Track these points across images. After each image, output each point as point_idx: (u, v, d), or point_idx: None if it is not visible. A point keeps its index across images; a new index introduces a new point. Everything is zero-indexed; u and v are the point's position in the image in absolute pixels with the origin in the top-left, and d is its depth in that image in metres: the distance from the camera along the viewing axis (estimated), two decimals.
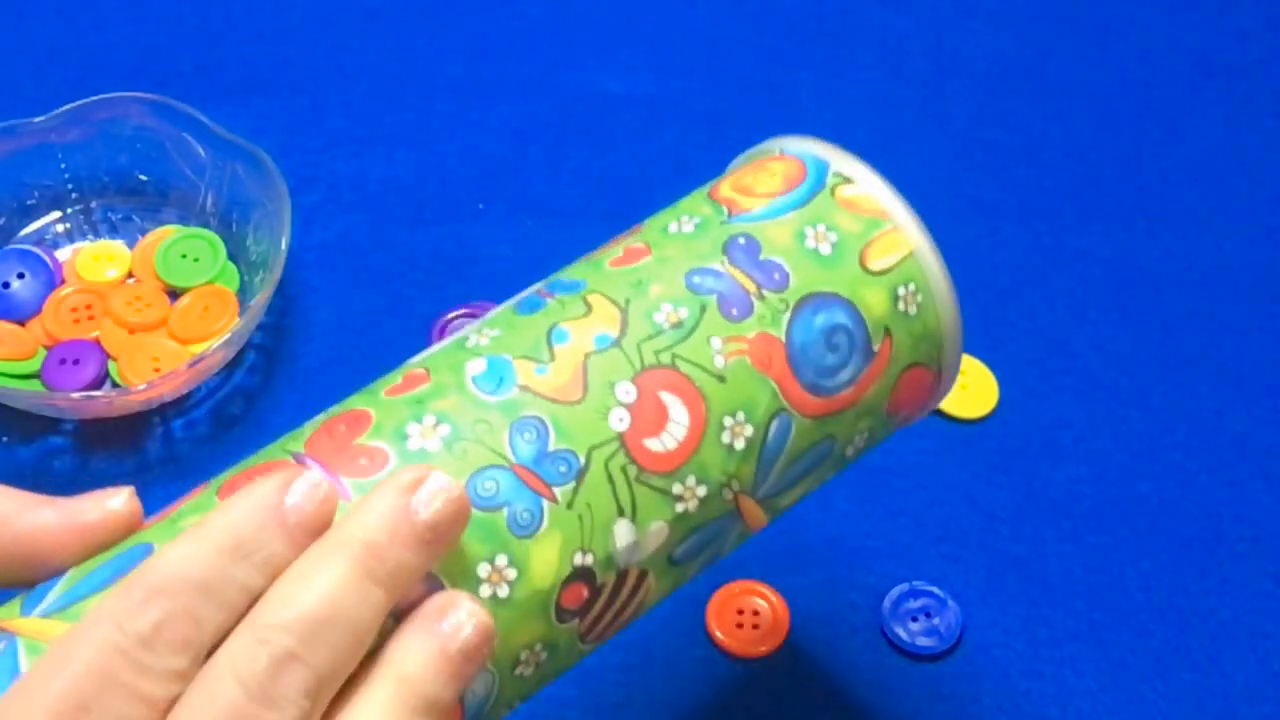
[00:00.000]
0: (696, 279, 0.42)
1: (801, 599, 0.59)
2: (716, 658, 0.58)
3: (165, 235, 0.68)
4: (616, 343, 0.41)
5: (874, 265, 0.44)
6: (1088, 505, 0.63)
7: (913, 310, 0.44)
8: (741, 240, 0.43)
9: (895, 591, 0.59)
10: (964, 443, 0.64)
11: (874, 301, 0.43)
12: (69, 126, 0.67)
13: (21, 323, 0.65)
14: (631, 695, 0.57)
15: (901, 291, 0.44)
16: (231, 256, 0.67)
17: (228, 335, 0.61)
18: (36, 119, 0.67)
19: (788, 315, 0.42)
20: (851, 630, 0.59)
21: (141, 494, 0.63)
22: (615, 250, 0.44)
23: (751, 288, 0.42)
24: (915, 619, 0.59)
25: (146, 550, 0.37)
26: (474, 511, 0.38)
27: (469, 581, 0.37)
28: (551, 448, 0.39)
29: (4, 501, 0.37)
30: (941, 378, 0.46)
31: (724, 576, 0.59)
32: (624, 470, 0.40)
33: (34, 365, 0.64)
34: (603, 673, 0.58)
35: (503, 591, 0.38)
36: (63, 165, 0.68)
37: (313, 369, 0.66)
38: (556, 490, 0.39)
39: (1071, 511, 0.62)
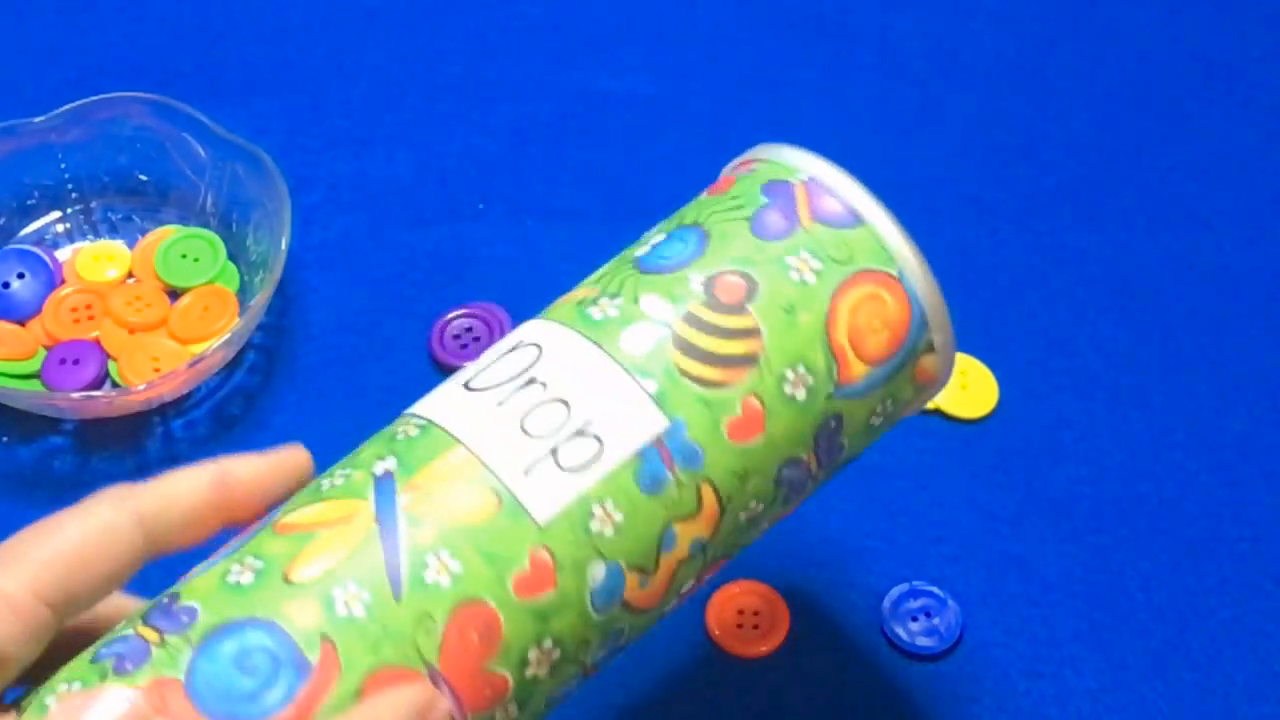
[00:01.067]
0: (786, 472, 0.44)
1: (801, 599, 0.59)
2: (716, 658, 0.58)
3: (165, 235, 0.68)
4: (703, 550, 0.43)
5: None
6: (1088, 505, 0.63)
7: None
8: (832, 423, 0.45)
9: (895, 591, 0.59)
10: (964, 443, 0.64)
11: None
12: (69, 126, 0.67)
13: (21, 323, 0.65)
14: (631, 695, 0.57)
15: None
16: (231, 256, 0.67)
17: (228, 335, 0.61)
18: (36, 119, 0.67)
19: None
20: (851, 630, 0.59)
21: None
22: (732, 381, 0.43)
23: (812, 466, 0.45)
24: (915, 619, 0.59)
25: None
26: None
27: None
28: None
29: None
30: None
31: (724, 576, 0.59)
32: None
33: (34, 365, 0.64)
34: (603, 673, 0.57)
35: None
36: (63, 165, 0.68)
37: (313, 369, 0.66)
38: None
39: (1071, 511, 0.62)
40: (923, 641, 0.58)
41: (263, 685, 0.38)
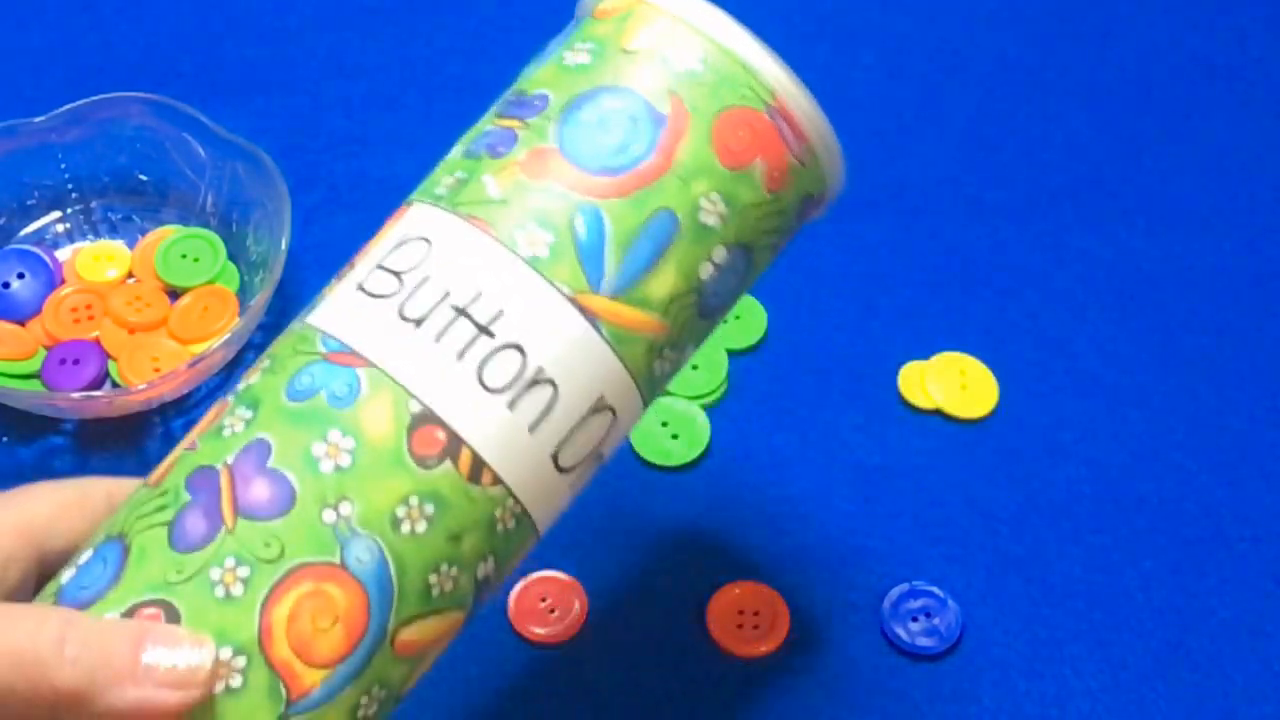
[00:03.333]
0: (472, 146, 0.45)
1: (801, 599, 0.59)
2: (716, 658, 0.58)
3: (165, 235, 0.68)
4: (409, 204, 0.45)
5: (633, 45, 0.44)
6: (1088, 505, 0.63)
7: (694, 64, 0.44)
8: (511, 98, 0.45)
9: (895, 591, 0.59)
10: (964, 443, 0.64)
11: (644, 75, 0.44)
12: (69, 126, 0.67)
13: (21, 323, 0.65)
14: (631, 695, 0.57)
15: (672, 54, 0.44)
16: (231, 256, 0.67)
17: (228, 335, 0.61)
18: (36, 119, 0.67)
19: (552, 125, 0.43)
20: (851, 630, 0.59)
21: None
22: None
23: (516, 124, 0.44)
24: (915, 619, 0.59)
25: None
26: (296, 405, 0.41)
27: (309, 465, 0.40)
28: None
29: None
30: (783, 115, 0.45)
31: (724, 576, 0.59)
32: None
33: (34, 365, 0.64)
34: (602, 672, 0.58)
35: (344, 461, 0.40)
36: (63, 165, 0.68)
37: None
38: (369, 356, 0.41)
39: (1071, 511, 0.62)
40: (923, 641, 0.58)
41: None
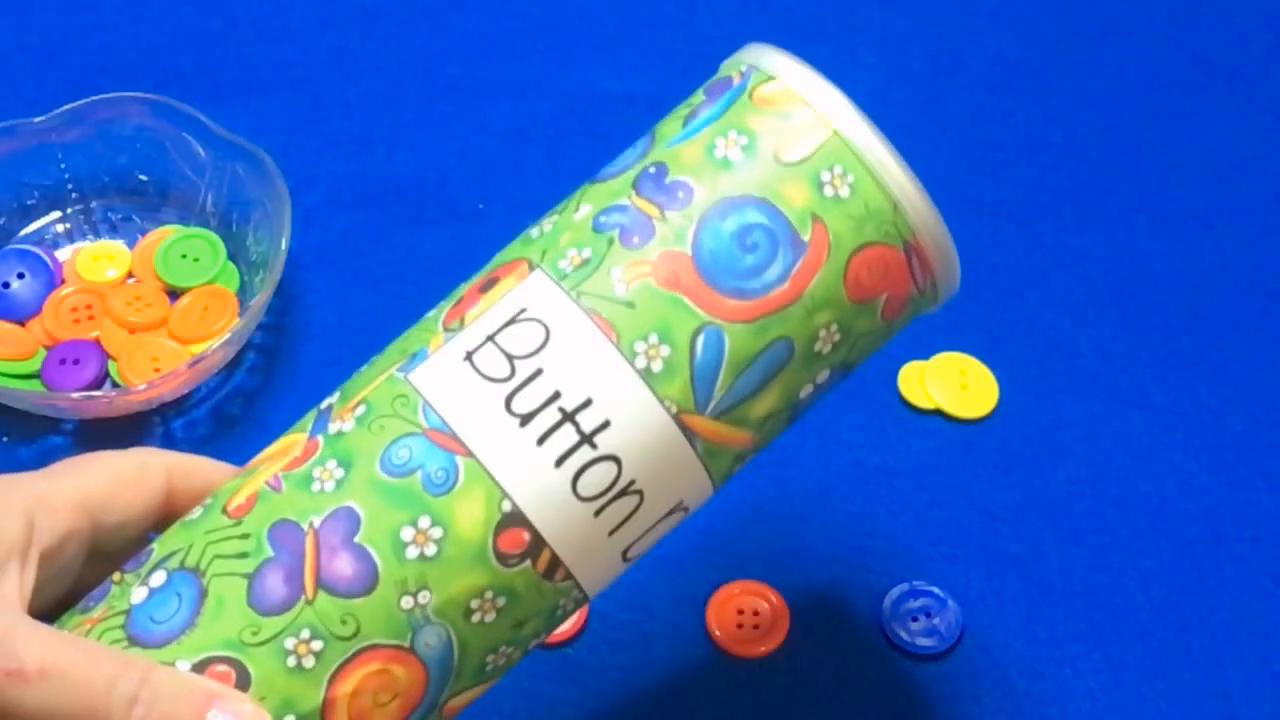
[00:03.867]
0: (602, 218, 0.43)
1: (801, 599, 0.59)
2: (716, 658, 0.58)
3: (165, 235, 0.68)
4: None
5: (788, 157, 0.43)
6: (1088, 505, 0.63)
7: (844, 192, 0.43)
8: (651, 169, 0.43)
9: (895, 591, 0.59)
10: (964, 443, 0.64)
11: (793, 193, 0.42)
12: (69, 126, 0.67)
13: (21, 323, 0.65)
14: (631, 695, 0.57)
15: (826, 176, 0.42)
16: (231, 256, 0.67)
17: (228, 335, 0.61)
18: (36, 119, 0.67)
19: (692, 228, 0.42)
20: (851, 630, 0.59)
21: None
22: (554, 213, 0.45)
23: (655, 212, 0.42)
24: (915, 619, 0.59)
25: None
26: (391, 480, 0.40)
27: (395, 548, 0.40)
28: None
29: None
30: (917, 252, 0.44)
31: (724, 576, 0.60)
32: None
33: (34, 365, 0.64)
34: (603, 673, 0.58)
35: (430, 550, 0.40)
36: (63, 165, 0.68)
37: (313, 369, 0.66)
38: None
39: (1071, 511, 0.62)
40: (923, 641, 0.58)
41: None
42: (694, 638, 0.58)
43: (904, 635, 0.58)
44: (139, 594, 0.41)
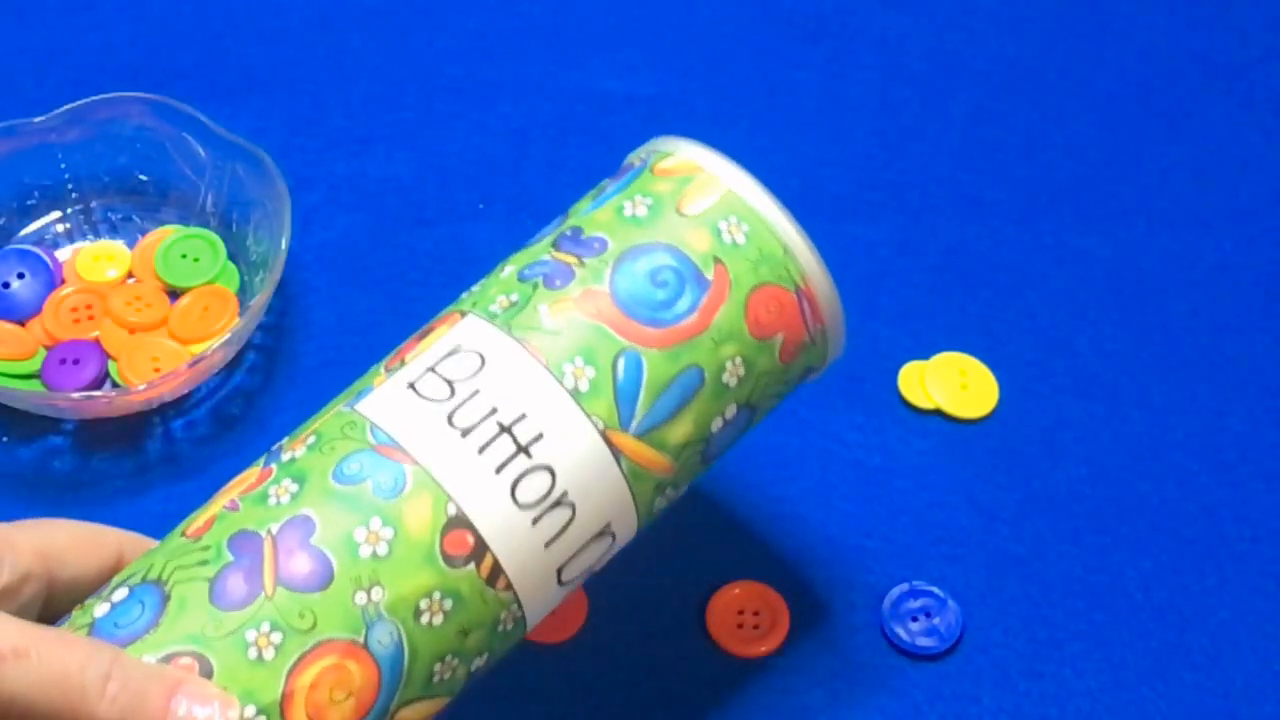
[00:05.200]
0: (526, 272, 0.48)
1: (801, 599, 0.59)
2: (716, 658, 0.58)
3: (165, 235, 0.68)
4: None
5: (689, 210, 0.48)
6: (1088, 505, 0.63)
7: (740, 239, 0.48)
8: (568, 232, 0.49)
9: (895, 591, 0.59)
10: (964, 443, 0.64)
11: (695, 239, 0.48)
12: (69, 126, 0.67)
13: (21, 323, 0.65)
14: (631, 695, 0.57)
15: (723, 225, 0.48)
16: (231, 256, 0.67)
17: (228, 335, 0.61)
18: (36, 119, 0.67)
19: (608, 269, 0.47)
20: (851, 630, 0.59)
21: (141, 494, 0.64)
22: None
23: (574, 261, 0.48)
24: (915, 619, 0.59)
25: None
26: (342, 488, 0.43)
27: (349, 547, 0.43)
28: None
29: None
30: (808, 298, 0.49)
31: (724, 576, 0.59)
32: None
33: (34, 365, 0.64)
34: (602, 673, 0.58)
35: (381, 549, 0.43)
36: (63, 165, 0.68)
37: (313, 369, 0.66)
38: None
39: (1071, 511, 0.62)
40: (923, 641, 0.58)
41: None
42: (694, 638, 0.58)
43: (904, 635, 0.58)
44: (101, 609, 0.43)
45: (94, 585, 0.45)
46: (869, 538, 0.61)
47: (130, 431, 0.63)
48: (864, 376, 0.66)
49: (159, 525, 0.61)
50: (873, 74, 0.78)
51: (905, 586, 0.59)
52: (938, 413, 0.65)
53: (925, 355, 0.66)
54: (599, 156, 0.74)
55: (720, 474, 0.63)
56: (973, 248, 0.71)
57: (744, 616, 0.59)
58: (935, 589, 0.59)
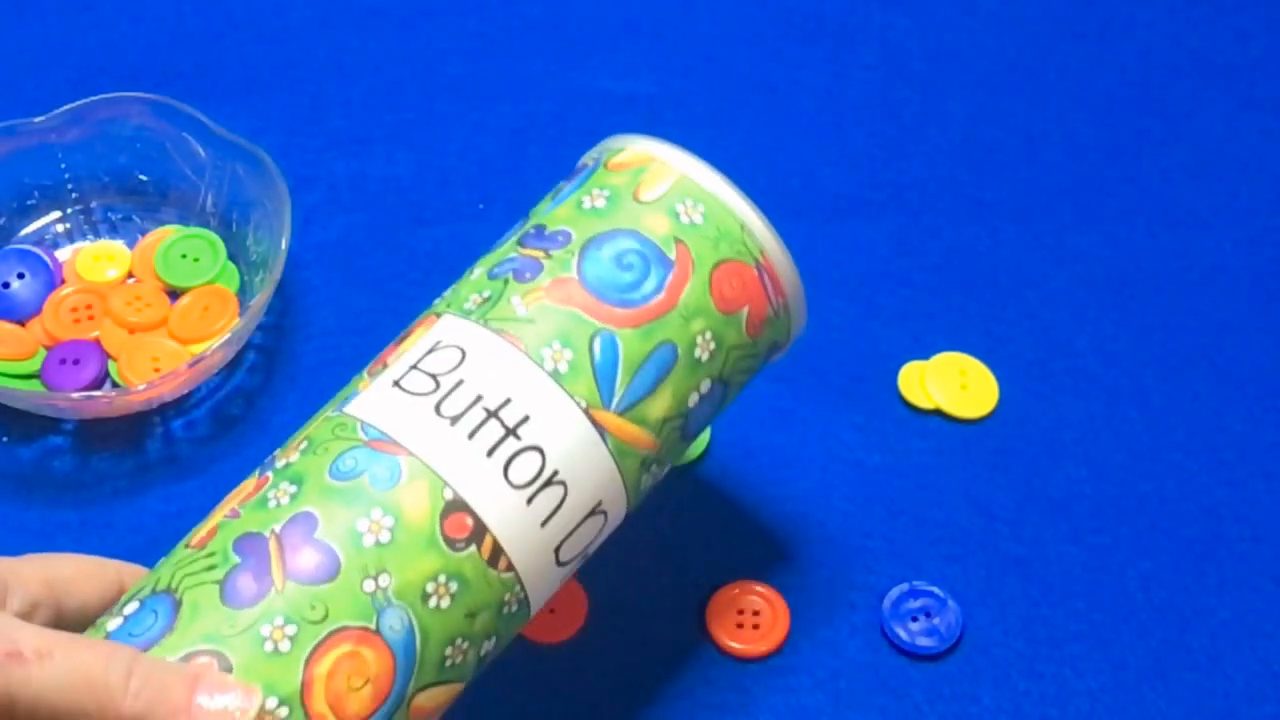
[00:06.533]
0: (496, 270, 0.50)
1: (801, 599, 0.59)
2: (716, 658, 0.58)
3: (165, 235, 0.68)
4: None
5: (646, 197, 0.50)
6: (1088, 505, 0.63)
7: (698, 219, 0.50)
8: (531, 230, 0.51)
9: (895, 591, 0.59)
10: (964, 443, 0.64)
11: (655, 223, 0.49)
12: (69, 126, 0.67)
13: (21, 323, 0.65)
14: (631, 695, 0.57)
15: (680, 208, 0.50)
16: (231, 256, 0.67)
17: (228, 335, 0.61)
18: (36, 119, 0.67)
19: (574, 258, 0.49)
20: (851, 630, 0.59)
21: (141, 494, 0.64)
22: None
23: (540, 254, 0.49)
24: (915, 619, 0.59)
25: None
26: (340, 484, 0.44)
27: (353, 538, 0.43)
28: None
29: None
30: (768, 271, 0.50)
31: (724, 576, 0.59)
32: None
33: (34, 365, 0.64)
34: (602, 673, 0.58)
35: (384, 537, 0.44)
36: (63, 165, 0.68)
37: (313, 369, 0.66)
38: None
39: (1071, 511, 0.62)
40: (923, 641, 0.58)
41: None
42: (694, 638, 0.58)
43: (904, 635, 0.58)
44: (115, 622, 0.43)
45: (99, 614, 0.45)
46: (869, 538, 0.61)
47: (130, 431, 0.63)
48: (864, 376, 0.66)
49: (159, 525, 0.61)
50: (873, 74, 0.78)
51: (905, 586, 0.59)
52: (938, 413, 0.65)
53: (925, 355, 0.66)
54: None
55: (720, 474, 0.63)
56: (973, 248, 0.71)
57: (744, 616, 0.59)
58: (935, 589, 0.59)
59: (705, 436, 0.63)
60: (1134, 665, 0.58)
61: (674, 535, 0.61)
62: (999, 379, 0.66)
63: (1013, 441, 0.64)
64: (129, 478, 0.62)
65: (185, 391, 0.64)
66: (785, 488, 0.62)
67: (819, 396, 0.65)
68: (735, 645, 0.58)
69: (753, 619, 0.59)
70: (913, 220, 0.72)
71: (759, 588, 0.59)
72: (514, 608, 0.47)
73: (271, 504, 0.45)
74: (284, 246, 0.63)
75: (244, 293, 0.66)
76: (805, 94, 0.77)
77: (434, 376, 0.47)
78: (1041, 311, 0.69)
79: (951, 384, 0.65)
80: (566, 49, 0.78)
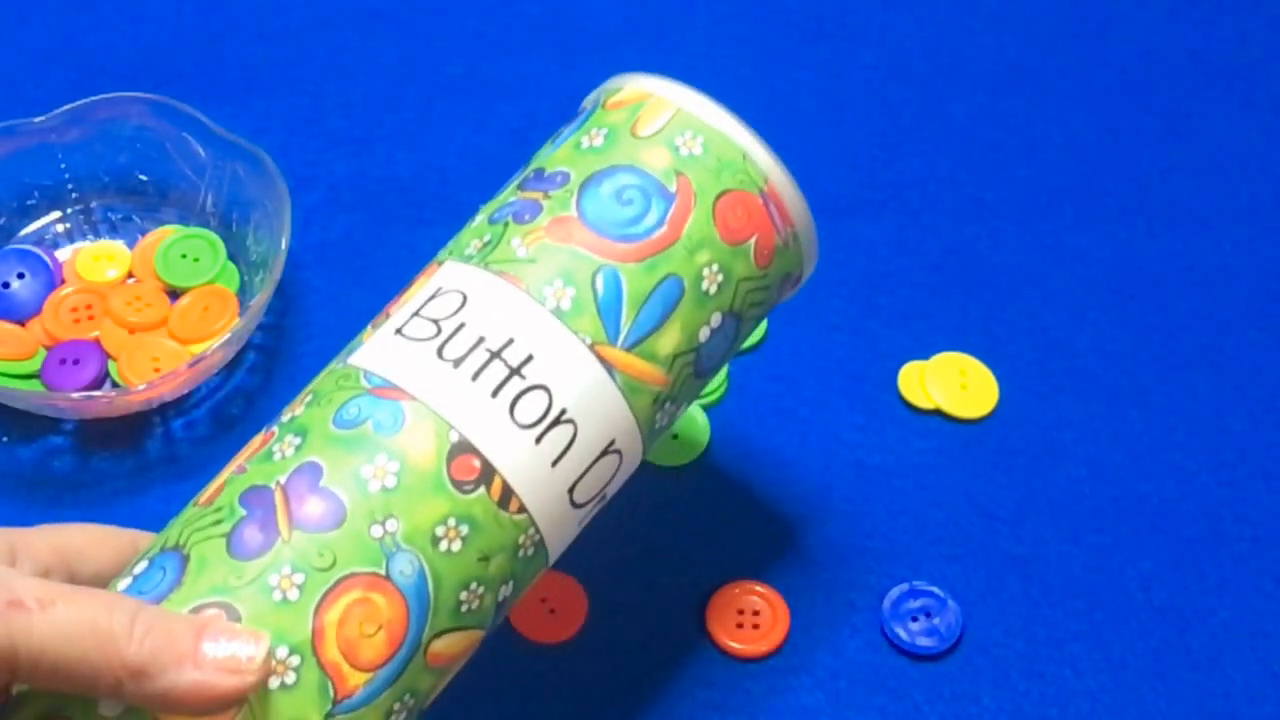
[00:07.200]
0: (496, 214, 0.49)
1: (801, 599, 0.59)
2: (716, 658, 0.58)
3: (165, 235, 0.68)
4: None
5: (644, 132, 0.49)
6: (1088, 505, 0.63)
7: (697, 150, 0.49)
8: (530, 175, 0.50)
9: (895, 591, 0.59)
10: (964, 443, 0.64)
11: (653, 157, 0.49)
12: (69, 126, 0.67)
13: (21, 323, 0.65)
14: (631, 695, 0.57)
15: (679, 140, 0.49)
16: (231, 256, 0.67)
17: (228, 335, 0.61)
18: (36, 119, 0.67)
19: (573, 197, 0.48)
20: (851, 630, 0.59)
21: (141, 494, 0.64)
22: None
23: (540, 196, 0.49)
24: (915, 619, 0.59)
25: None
26: (344, 432, 0.44)
27: (358, 484, 0.43)
28: None
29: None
30: (773, 200, 0.50)
31: (724, 576, 0.60)
32: None
33: (34, 365, 0.64)
34: (602, 673, 0.58)
35: (390, 482, 0.43)
36: (63, 165, 0.68)
37: (313, 369, 0.65)
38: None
39: (1071, 511, 0.62)
40: (923, 641, 0.58)
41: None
42: (694, 638, 0.58)
43: (904, 635, 0.58)
44: (124, 582, 0.43)
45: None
46: (869, 538, 0.61)
47: (130, 431, 0.63)
48: (864, 376, 0.66)
49: (159, 525, 0.61)
50: (873, 74, 0.78)
51: (905, 586, 0.59)
52: (938, 413, 0.65)
53: (925, 355, 0.66)
54: None
55: (720, 474, 0.63)
56: (973, 248, 0.71)
57: (744, 616, 0.59)
58: (935, 589, 0.59)
59: (705, 436, 0.63)
60: (1134, 665, 0.58)
61: (674, 535, 0.61)
62: (999, 379, 0.66)
63: (1013, 441, 0.64)
64: (129, 478, 0.62)
65: (185, 391, 0.64)
66: (785, 488, 0.62)
67: (819, 396, 0.65)
68: (735, 645, 0.58)
69: (753, 619, 0.59)
70: (913, 220, 0.72)
71: (759, 588, 0.59)
72: (530, 550, 0.46)
73: (277, 456, 0.44)
74: (284, 246, 0.63)
75: (244, 293, 0.66)
76: (805, 94, 0.77)
77: (435, 322, 0.46)
78: (1041, 311, 0.69)
79: (951, 384, 0.65)
80: (566, 49, 0.78)
